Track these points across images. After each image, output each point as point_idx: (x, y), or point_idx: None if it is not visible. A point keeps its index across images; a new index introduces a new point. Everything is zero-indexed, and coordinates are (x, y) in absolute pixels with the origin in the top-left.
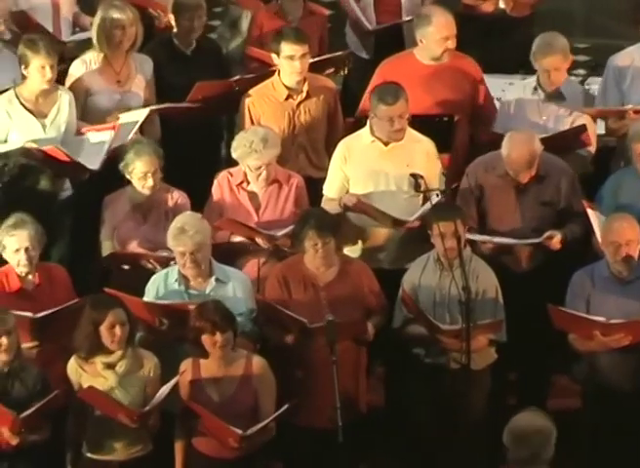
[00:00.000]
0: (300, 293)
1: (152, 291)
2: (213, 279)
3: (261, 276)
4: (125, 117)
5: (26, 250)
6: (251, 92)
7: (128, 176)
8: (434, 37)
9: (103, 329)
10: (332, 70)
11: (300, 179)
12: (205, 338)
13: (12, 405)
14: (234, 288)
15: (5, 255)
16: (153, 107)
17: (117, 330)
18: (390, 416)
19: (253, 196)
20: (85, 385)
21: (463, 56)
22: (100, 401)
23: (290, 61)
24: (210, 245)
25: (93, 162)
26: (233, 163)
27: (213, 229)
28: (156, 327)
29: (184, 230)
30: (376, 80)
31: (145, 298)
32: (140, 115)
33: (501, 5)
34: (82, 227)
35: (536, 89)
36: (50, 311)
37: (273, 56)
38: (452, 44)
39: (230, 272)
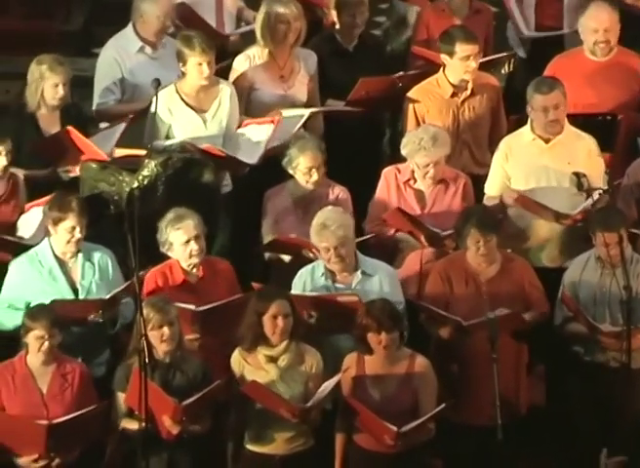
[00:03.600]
0: (461, 289)
1: (299, 285)
2: (359, 272)
3: (423, 272)
4: (288, 114)
5: (196, 238)
6: (415, 88)
7: (291, 172)
8: (585, 28)
9: (266, 319)
10: (494, 69)
11: (467, 180)
12: (370, 337)
13: (172, 394)
14: (380, 281)
15: (172, 253)
16: (314, 110)
17: (280, 321)
18: (551, 415)
19: (419, 194)
20: (247, 377)
21: (632, 53)
22: (263, 395)
23: (464, 62)
24: (354, 239)
25: (251, 157)
26: (395, 160)
27: (379, 222)
28: (305, 319)
29: (327, 226)
30: (546, 77)
31: (293, 292)
32: (302, 114)
33: None
34: (243, 221)
35: None
36: (212, 305)
37: (444, 56)
38: (601, 37)
39: (376, 265)
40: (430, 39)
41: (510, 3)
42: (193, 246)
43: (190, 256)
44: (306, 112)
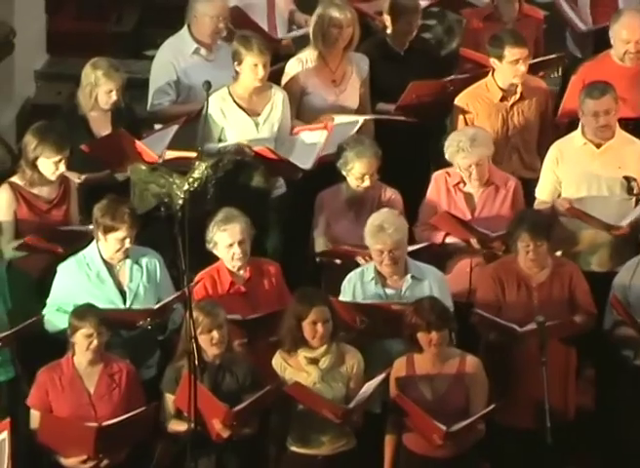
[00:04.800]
0: (512, 293)
1: (349, 289)
2: (409, 276)
3: (473, 279)
4: (340, 119)
5: (240, 243)
6: (464, 93)
7: (344, 174)
8: (616, 36)
9: (306, 324)
10: (544, 72)
11: (517, 183)
12: (420, 336)
13: (222, 397)
14: (430, 285)
15: (217, 252)
16: (368, 117)
17: (319, 327)
18: (600, 419)
19: (468, 197)
20: (289, 379)
21: None
22: (306, 396)
23: (514, 65)
24: (407, 243)
25: (305, 161)
26: (445, 163)
27: (429, 226)
28: (355, 325)
29: (383, 228)
30: (574, 81)
31: (342, 297)
32: (356, 121)
33: None
34: (296, 223)
35: None
36: (259, 315)
37: (493, 60)
38: (632, 48)
39: (426, 269)
40: (479, 43)
41: (562, 3)
42: (236, 250)
43: (232, 259)
44: (360, 119)
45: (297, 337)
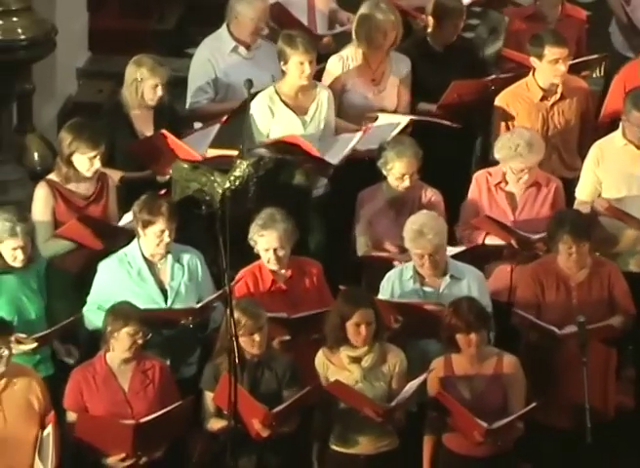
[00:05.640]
0: (552, 293)
1: (387, 287)
2: (447, 276)
3: (513, 279)
4: (383, 119)
5: (275, 250)
6: (505, 92)
7: (385, 173)
8: None
9: (349, 325)
10: (587, 73)
11: (558, 183)
12: (459, 337)
13: (261, 394)
14: (469, 284)
15: (257, 251)
16: (414, 117)
17: (362, 329)
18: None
19: (510, 196)
20: (331, 377)
21: None
22: (347, 394)
23: (553, 65)
24: (446, 245)
25: (334, 157)
26: (486, 163)
27: (470, 226)
28: (391, 324)
29: (423, 233)
30: (616, 82)
31: (380, 295)
32: (399, 121)
33: None
34: (337, 222)
35: None
36: (305, 314)
37: (533, 59)
38: None
39: (465, 269)
40: (521, 43)
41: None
42: (271, 255)
43: (268, 263)
44: (404, 121)
45: (340, 336)
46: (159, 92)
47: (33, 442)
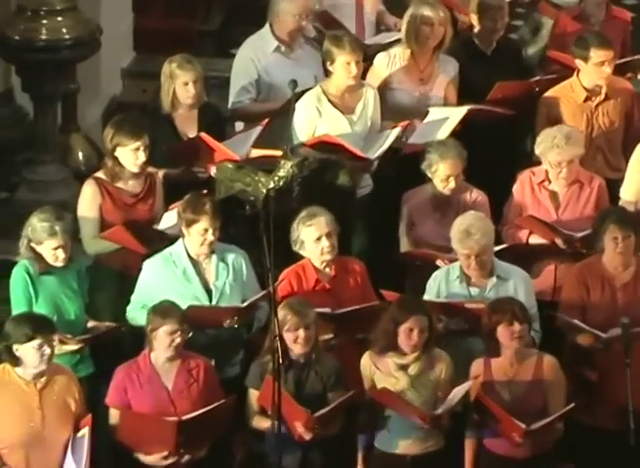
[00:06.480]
0: (597, 294)
1: (434, 288)
2: (494, 277)
3: (557, 279)
4: (435, 113)
5: (328, 235)
6: (549, 92)
7: (430, 175)
8: None
9: (402, 330)
10: (631, 74)
11: (602, 182)
12: (501, 330)
13: (305, 395)
14: (515, 285)
15: (304, 252)
16: (472, 107)
17: (415, 335)
18: None
19: (553, 195)
20: (377, 382)
21: None
22: (393, 402)
23: (599, 67)
24: (493, 245)
25: (373, 152)
26: (532, 163)
27: (513, 227)
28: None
29: (470, 233)
30: None
31: (426, 296)
32: (455, 113)
33: None
34: (382, 222)
35: None
36: (350, 309)
37: (578, 61)
38: None
39: (511, 269)
40: (566, 44)
41: None
42: (325, 243)
43: (322, 254)
44: (462, 111)
45: (390, 342)
46: (191, 89)
47: (65, 443)
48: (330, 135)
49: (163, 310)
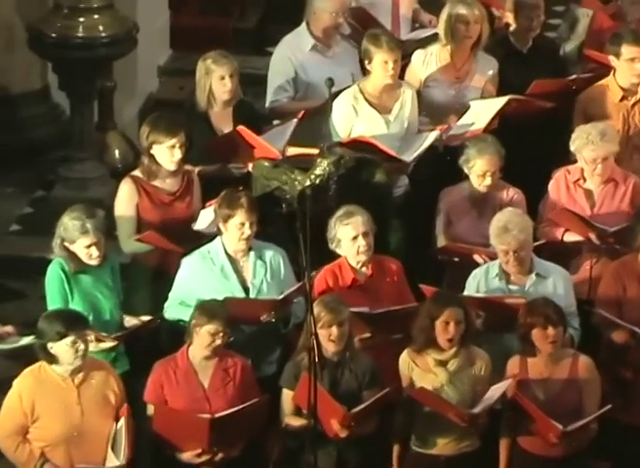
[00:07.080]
0: (634, 291)
1: (473, 285)
2: (533, 274)
3: (593, 276)
4: (477, 106)
5: (364, 235)
6: (585, 91)
7: (467, 171)
8: None
9: (438, 324)
10: None
11: (637, 180)
12: (536, 333)
13: (340, 394)
14: (554, 283)
15: (341, 250)
16: (512, 97)
17: (451, 327)
18: None
19: (588, 193)
20: (416, 380)
21: None
22: (431, 400)
23: (630, 64)
24: (532, 242)
25: (410, 154)
26: (568, 162)
27: (547, 222)
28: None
29: (508, 229)
30: None
31: (466, 292)
32: (496, 103)
33: None
34: (419, 221)
35: None
36: (388, 309)
37: (611, 58)
38: None
39: (551, 267)
40: (602, 42)
41: None
42: (361, 242)
43: (358, 253)
44: (502, 100)
45: (428, 338)
46: (228, 83)
47: (107, 435)
48: (365, 136)
49: (210, 310)
